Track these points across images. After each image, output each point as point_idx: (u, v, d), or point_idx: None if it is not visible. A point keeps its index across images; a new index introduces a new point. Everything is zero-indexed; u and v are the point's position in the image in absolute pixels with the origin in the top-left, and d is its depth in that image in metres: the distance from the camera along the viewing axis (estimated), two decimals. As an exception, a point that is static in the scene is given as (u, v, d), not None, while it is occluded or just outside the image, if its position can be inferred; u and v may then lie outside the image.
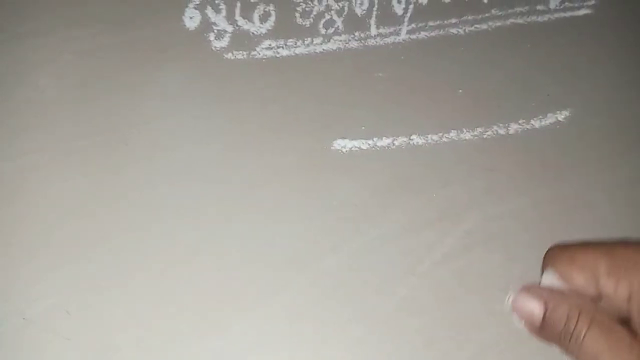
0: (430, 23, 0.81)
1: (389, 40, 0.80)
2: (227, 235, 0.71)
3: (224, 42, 0.76)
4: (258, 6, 0.77)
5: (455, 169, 0.77)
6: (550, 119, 0.80)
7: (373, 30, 0.80)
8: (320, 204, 0.73)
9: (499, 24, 0.82)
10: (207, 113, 0.74)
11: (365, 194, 0.74)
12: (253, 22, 0.77)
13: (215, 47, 0.76)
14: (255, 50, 0.77)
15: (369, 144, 0.76)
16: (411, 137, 0.77)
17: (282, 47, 0.77)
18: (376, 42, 0.80)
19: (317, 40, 0.78)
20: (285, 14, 0.78)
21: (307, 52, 0.78)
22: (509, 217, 0.76)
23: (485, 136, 0.78)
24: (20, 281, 0.67)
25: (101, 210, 0.69)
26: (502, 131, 0.79)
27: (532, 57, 0.82)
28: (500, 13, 0.82)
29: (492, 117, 0.79)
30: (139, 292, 0.68)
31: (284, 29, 0.78)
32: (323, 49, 0.78)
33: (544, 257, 0.42)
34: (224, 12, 0.76)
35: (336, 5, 0.79)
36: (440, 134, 0.78)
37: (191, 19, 0.75)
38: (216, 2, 0.76)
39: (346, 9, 0.79)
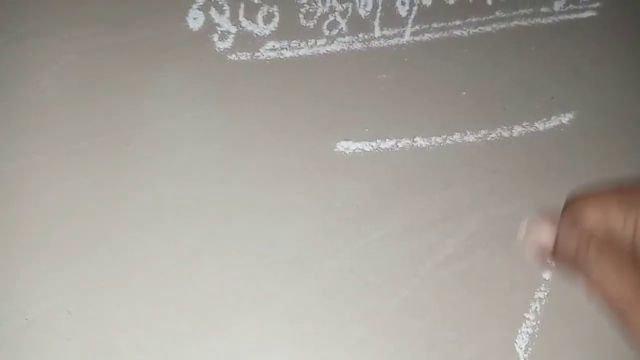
0: (434, 25, 0.81)
1: (393, 41, 0.80)
2: (229, 236, 0.71)
3: (228, 43, 0.76)
4: (262, 7, 0.77)
5: (458, 171, 0.77)
6: (554, 122, 0.80)
7: (377, 32, 0.79)
8: (322, 205, 0.73)
9: (503, 26, 0.82)
10: (209, 114, 0.74)
11: (368, 196, 0.74)
12: (257, 23, 0.77)
13: (218, 48, 0.76)
14: (258, 51, 0.76)
15: (372, 146, 0.76)
16: (414, 139, 0.77)
17: (286, 49, 0.77)
18: (380, 43, 0.79)
19: (321, 42, 0.78)
20: (289, 15, 0.78)
21: (310, 54, 0.78)
22: (512, 219, 0.75)
23: (489, 138, 0.78)
24: (22, 282, 0.67)
25: (102, 211, 0.69)
26: (506, 133, 0.79)
27: (536, 59, 0.82)
28: (504, 15, 0.82)
29: (496, 120, 0.79)
30: (140, 293, 0.68)
31: (288, 30, 0.77)
32: (327, 51, 0.78)
33: (565, 201, 0.45)
34: (227, 13, 0.76)
35: (340, 7, 0.79)
36: (444, 136, 0.77)
37: (195, 20, 0.75)
38: (220, 3, 0.76)
39: (350, 10, 0.79)
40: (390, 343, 0.70)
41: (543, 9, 0.83)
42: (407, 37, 0.80)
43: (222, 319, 0.68)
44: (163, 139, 0.72)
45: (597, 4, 0.84)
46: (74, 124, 0.70)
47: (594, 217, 0.42)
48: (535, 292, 0.74)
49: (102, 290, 0.68)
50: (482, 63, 0.81)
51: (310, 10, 0.78)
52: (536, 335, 0.73)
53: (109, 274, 0.68)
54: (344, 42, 0.79)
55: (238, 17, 0.77)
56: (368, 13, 0.80)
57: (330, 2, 0.79)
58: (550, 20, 0.83)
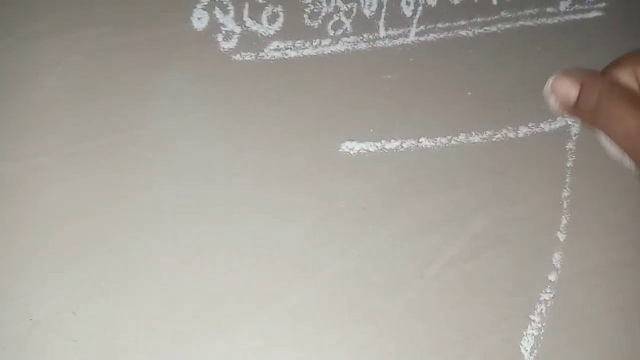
0: (440, 25, 0.80)
1: (398, 42, 0.79)
2: (234, 236, 0.71)
3: (232, 44, 0.76)
4: (266, 7, 0.77)
5: (464, 172, 0.77)
6: (560, 123, 0.80)
7: (382, 32, 0.79)
8: (327, 206, 0.73)
9: (508, 26, 0.82)
10: (215, 114, 0.74)
11: (373, 197, 0.74)
12: (261, 24, 0.77)
13: (223, 48, 0.75)
14: (263, 51, 0.76)
15: (377, 147, 0.76)
16: (420, 140, 0.77)
17: (291, 49, 0.77)
18: (385, 44, 0.79)
19: (326, 42, 0.78)
20: (293, 15, 0.78)
21: (315, 54, 0.78)
22: (518, 221, 0.75)
23: (494, 139, 0.78)
24: (27, 284, 0.67)
25: (107, 212, 0.69)
26: (511, 134, 0.78)
27: (542, 59, 0.82)
28: (510, 15, 0.82)
29: (502, 121, 0.79)
30: (144, 294, 0.68)
31: (293, 31, 0.77)
32: (331, 51, 0.78)
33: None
34: (232, 14, 0.76)
35: (345, 7, 0.79)
36: (450, 137, 0.77)
37: (199, 20, 0.75)
38: (224, 3, 0.76)
39: (355, 10, 0.79)
40: (394, 344, 0.70)
41: (549, 9, 0.82)
42: (412, 38, 0.80)
43: (227, 319, 0.68)
44: (168, 139, 0.72)
45: (604, 4, 0.83)
46: (78, 125, 0.70)
47: (623, 76, 0.43)
48: (541, 294, 0.74)
49: (106, 291, 0.68)
50: (488, 63, 0.80)
51: (315, 10, 0.78)
52: (542, 338, 0.73)
53: (114, 275, 0.68)
54: (349, 43, 0.78)
55: (243, 17, 0.76)
56: (373, 13, 0.79)
57: (335, 2, 0.78)
58: (556, 20, 0.83)
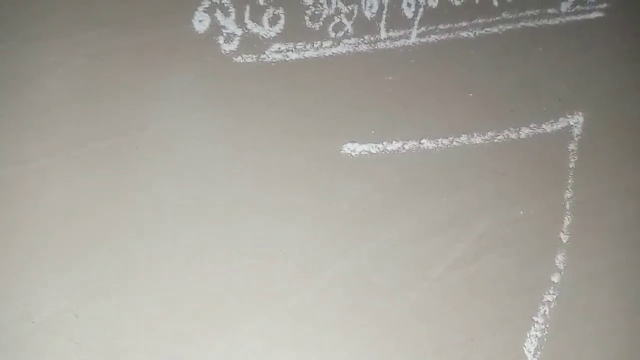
0: (441, 26, 0.80)
1: (399, 43, 0.79)
2: (236, 237, 0.70)
3: (234, 46, 0.76)
4: (268, 10, 0.77)
5: (466, 173, 0.76)
6: (562, 124, 0.80)
7: (383, 34, 0.79)
8: (329, 208, 0.73)
9: (510, 27, 0.82)
10: (216, 116, 0.74)
11: (375, 199, 0.74)
12: (262, 26, 0.77)
13: (224, 50, 0.75)
14: (264, 53, 0.76)
15: (379, 148, 0.76)
16: (422, 142, 0.76)
17: (292, 51, 0.77)
18: (386, 45, 0.79)
19: (327, 44, 0.78)
20: (294, 17, 0.78)
21: (316, 56, 0.77)
22: (521, 222, 0.75)
23: (496, 140, 0.78)
24: (28, 285, 0.66)
25: (109, 214, 0.69)
26: (513, 135, 0.78)
27: (544, 60, 0.81)
28: (511, 16, 0.82)
29: (504, 122, 0.79)
30: (145, 295, 0.68)
31: (294, 33, 0.77)
32: (333, 53, 0.78)
33: None
34: (233, 16, 0.76)
35: (346, 9, 0.79)
36: (451, 138, 0.77)
37: (201, 23, 0.75)
38: (226, 5, 0.76)
39: (356, 12, 0.79)
40: (396, 346, 0.70)
41: (550, 10, 0.82)
42: (413, 39, 0.80)
43: (228, 319, 0.68)
44: (169, 140, 0.72)
45: (605, 5, 0.83)
46: (80, 127, 0.70)
47: None
48: (544, 296, 0.73)
49: (107, 291, 0.67)
50: (489, 65, 0.80)
51: (316, 12, 0.78)
52: (545, 339, 0.73)
53: (115, 276, 0.68)
54: (350, 44, 0.78)
55: (244, 19, 0.76)
56: (374, 15, 0.79)
57: (336, 4, 0.78)
58: (557, 21, 0.83)
